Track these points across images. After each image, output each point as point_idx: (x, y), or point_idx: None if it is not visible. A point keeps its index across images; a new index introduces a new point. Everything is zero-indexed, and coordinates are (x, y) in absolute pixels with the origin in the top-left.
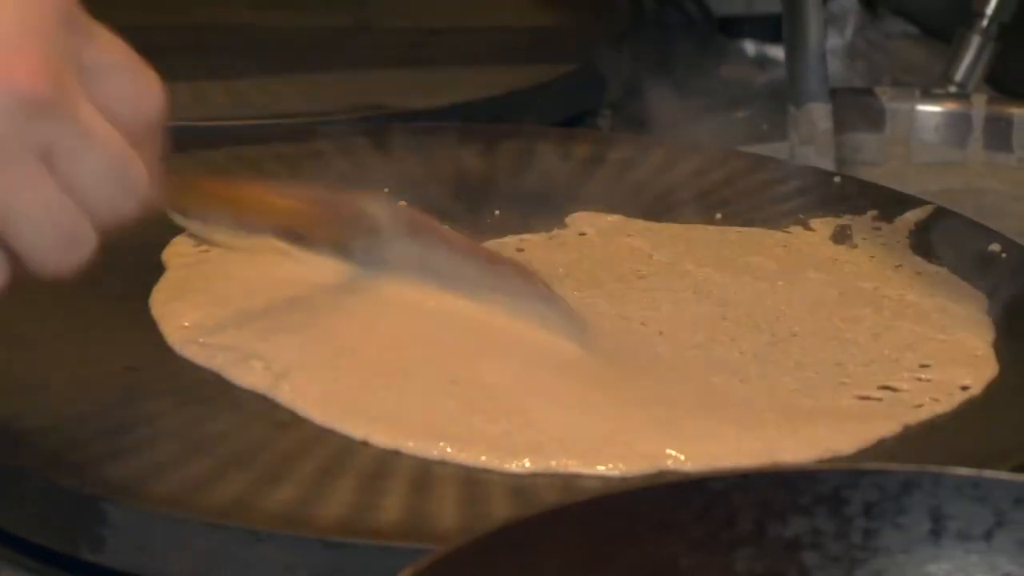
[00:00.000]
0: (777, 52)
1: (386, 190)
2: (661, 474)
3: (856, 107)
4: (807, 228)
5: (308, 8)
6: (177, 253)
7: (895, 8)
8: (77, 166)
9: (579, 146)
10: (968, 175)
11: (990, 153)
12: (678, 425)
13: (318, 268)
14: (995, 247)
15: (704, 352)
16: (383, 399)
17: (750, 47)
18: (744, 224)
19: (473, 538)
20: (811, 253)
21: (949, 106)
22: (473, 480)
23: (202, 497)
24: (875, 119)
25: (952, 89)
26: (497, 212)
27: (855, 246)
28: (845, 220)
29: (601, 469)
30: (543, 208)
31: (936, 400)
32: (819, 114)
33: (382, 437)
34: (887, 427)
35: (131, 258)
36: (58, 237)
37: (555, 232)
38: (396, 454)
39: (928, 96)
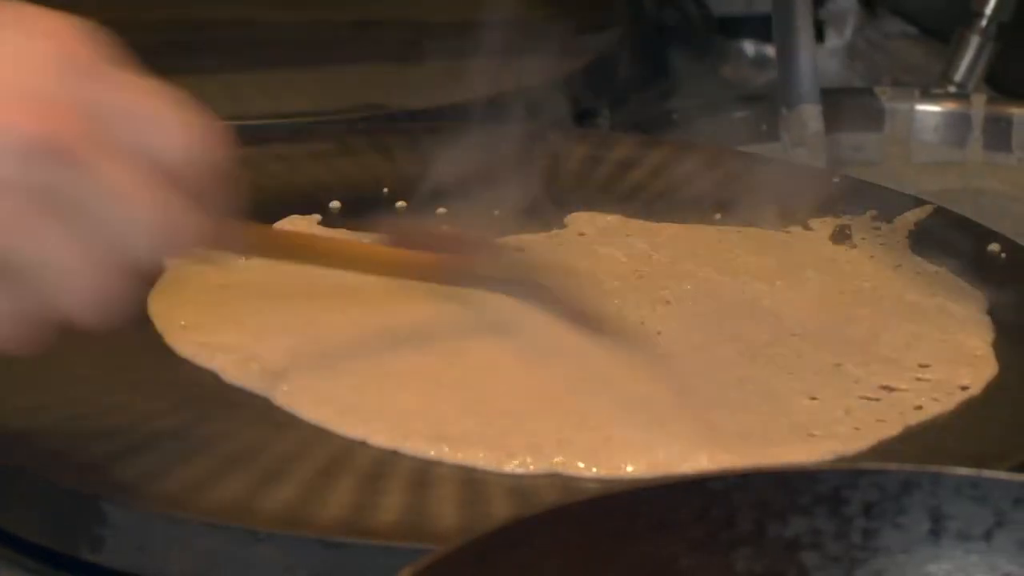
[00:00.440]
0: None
1: (385, 190)
2: (660, 475)
3: (855, 107)
4: (806, 228)
5: (308, 7)
6: None
7: (894, 8)
8: (98, 214)
9: (579, 146)
10: (967, 175)
11: (989, 153)
12: (677, 425)
13: (316, 269)
14: (994, 247)
15: (703, 352)
16: (379, 400)
17: (749, 47)
18: (744, 224)
19: (472, 538)
20: (810, 253)
21: (948, 106)
22: (472, 480)
23: (202, 497)
24: (874, 119)
25: (951, 89)
26: (497, 212)
27: (854, 246)
28: (844, 220)
29: (595, 471)
30: (543, 208)
31: (936, 400)
32: (810, 115)
33: (380, 438)
34: (887, 427)
35: None
36: (85, 287)
37: (555, 232)
38: (395, 454)
39: (927, 96)
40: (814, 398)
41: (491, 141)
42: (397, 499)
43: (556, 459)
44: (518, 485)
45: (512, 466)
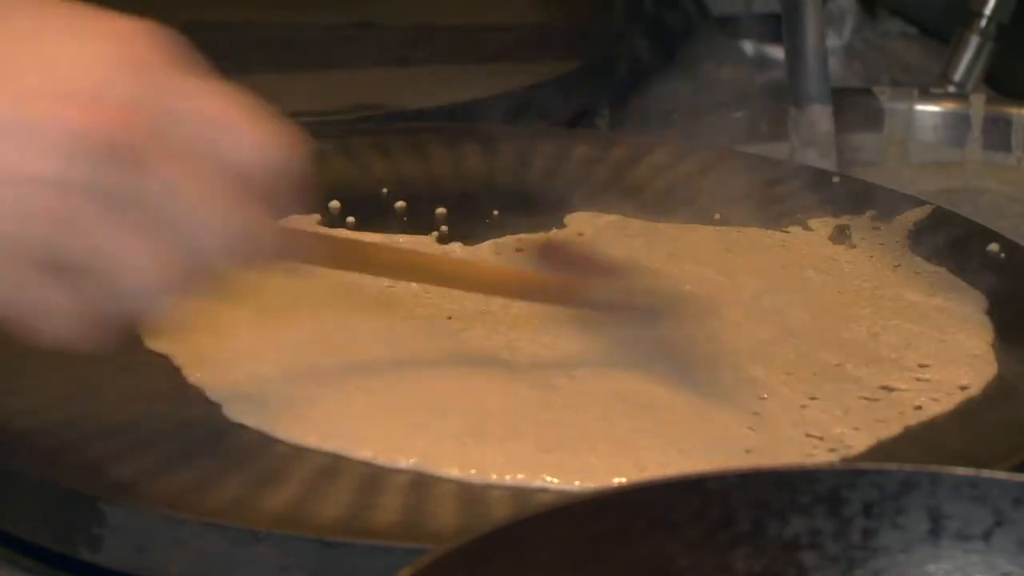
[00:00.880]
0: (777, 52)
1: (385, 190)
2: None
3: (854, 107)
4: (806, 228)
5: (308, 8)
6: None
7: (893, 8)
8: (163, 215)
9: (578, 146)
10: (966, 175)
11: (988, 153)
12: (676, 426)
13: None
14: (994, 247)
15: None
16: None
17: (749, 47)
18: (743, 224)
19: (471, 538)
20: (810, 253)
21: (947, 106)
22: (471, 482)
23: (201, 497)
24: (873, 119)
25: (950, 89)
26: (496, 212)
27: (854, 246)
28: (844, 220)
29: (592, 482)
30: (542, 208)
31: (935, 400)
32: (820, 116)
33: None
34: (887, 427)
35: None
36: (148, 288)
37: (554, 232)
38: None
39: (926, 96)
40: (814, 398)
41: (491, 141)
42: (396, 499)
43: (544, 474)
44: (517, 486)
45: (505, 479)
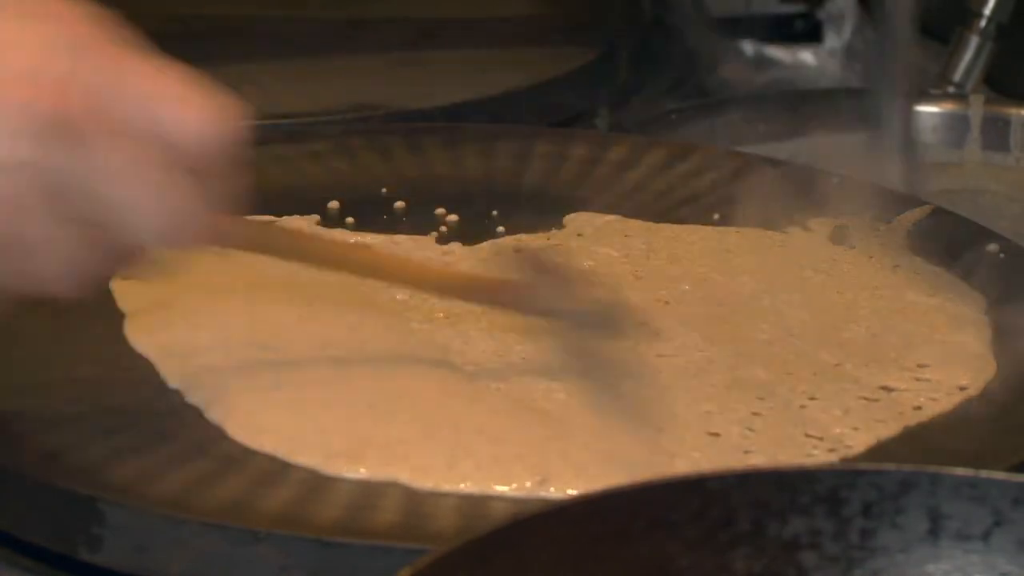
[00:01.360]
0: (775, 52)
1: (384, 190)
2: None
3: (854, 107)
4: (805, 228)
5: (307, 6)
6: None
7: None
8: (98, 195)
9: (577, 146)
10: (966, 175)
11: (988, 153)
12: (674, 426)
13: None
14: (993, 247)
15: (702, 353)
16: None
17: (748, 47)
18: (743, 224)
19: (471, 538)
20: (810, 253)
21: (947, 106)
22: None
23: (201, 497)
24: (873, 119)
25: (950, 89)
26: (495, 212)
27: (853, 246)
28: (843, 220)
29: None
30: (541, 208)
31: (935, 400)
32: (903, 112)
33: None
34: (886, 427)
35: None
36: (72, 268)
37: (553, 232)
38: None
39: (926, 96)
40: (813, 398)
41: (490, 141)
42: (395, 499)
43: (534, 480)
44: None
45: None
